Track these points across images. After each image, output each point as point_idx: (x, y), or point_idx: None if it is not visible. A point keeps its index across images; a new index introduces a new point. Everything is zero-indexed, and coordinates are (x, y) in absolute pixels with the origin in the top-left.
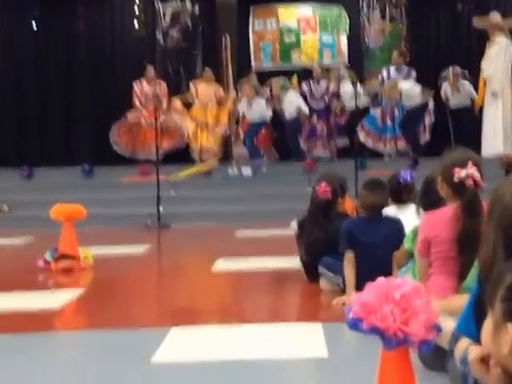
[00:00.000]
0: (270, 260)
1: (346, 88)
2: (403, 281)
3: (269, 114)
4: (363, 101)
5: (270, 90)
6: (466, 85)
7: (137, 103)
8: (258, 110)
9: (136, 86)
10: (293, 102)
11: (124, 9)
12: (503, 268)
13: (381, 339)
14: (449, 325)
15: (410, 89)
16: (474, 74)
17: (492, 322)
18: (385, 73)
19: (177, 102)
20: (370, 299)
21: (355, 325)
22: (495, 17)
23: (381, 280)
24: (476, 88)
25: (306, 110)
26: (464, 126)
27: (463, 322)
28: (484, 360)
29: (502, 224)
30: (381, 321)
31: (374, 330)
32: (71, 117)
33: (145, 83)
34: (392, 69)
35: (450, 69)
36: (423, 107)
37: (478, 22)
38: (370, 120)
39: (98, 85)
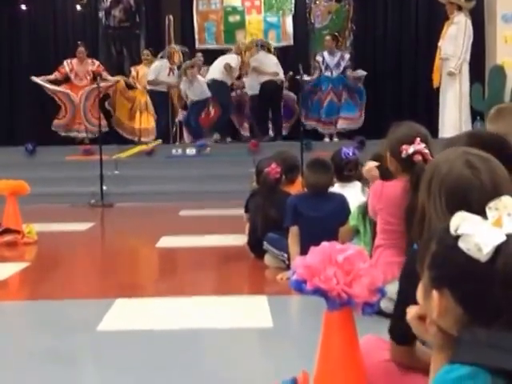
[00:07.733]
0: (214, 237)
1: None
2: (346, 245)
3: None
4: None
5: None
6: None
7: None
8: (198, 88)
9: (66, 64)
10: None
11: None
12: (430, 234)
13: (325, 300)
14: None
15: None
16: (424, 53)
17: (423, 287)
18: (320, 59)
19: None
20: (314, 262)
21: (299, 286)
22: None
23: (324, 244)
24: (431, 67)
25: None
26: None
27: None
28: (422, 318)
29: (444, 193)
30: (324, 282)
31: (318, 291)
32: (14, 97)
33: (76, 62)
34: (326, 54)
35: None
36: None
37: None
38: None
39: (40, 65)
